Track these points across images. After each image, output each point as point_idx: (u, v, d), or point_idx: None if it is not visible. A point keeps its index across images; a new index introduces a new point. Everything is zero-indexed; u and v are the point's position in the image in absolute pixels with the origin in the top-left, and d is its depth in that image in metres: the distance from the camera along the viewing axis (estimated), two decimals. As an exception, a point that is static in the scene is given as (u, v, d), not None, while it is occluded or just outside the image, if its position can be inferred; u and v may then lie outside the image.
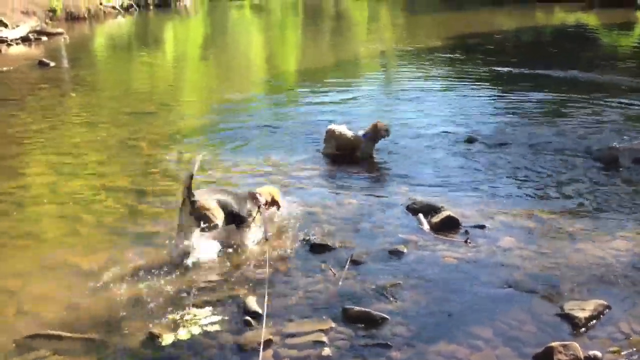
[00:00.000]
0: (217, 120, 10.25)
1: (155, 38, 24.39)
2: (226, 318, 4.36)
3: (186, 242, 5.18)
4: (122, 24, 29.22)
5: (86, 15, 28.64)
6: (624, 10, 24.69)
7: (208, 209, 5.22)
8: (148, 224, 5.96)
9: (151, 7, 35.41)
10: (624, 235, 5.45)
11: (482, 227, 5.76)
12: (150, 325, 4.24)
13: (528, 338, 4.11)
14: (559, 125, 9.09)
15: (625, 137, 8.31)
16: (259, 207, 5.61)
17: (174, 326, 4.25)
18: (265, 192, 5.79)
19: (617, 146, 7.76)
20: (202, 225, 5.17)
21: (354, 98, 11.67)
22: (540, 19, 25.83)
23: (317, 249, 5.41)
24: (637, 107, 10.06)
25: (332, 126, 8.14)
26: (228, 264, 5.19)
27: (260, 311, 4.39)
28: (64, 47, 20.14)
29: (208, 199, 5.28)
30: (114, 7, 31.70)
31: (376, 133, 7.86)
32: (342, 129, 8.04)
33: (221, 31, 27.80)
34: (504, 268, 5.03)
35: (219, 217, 5.29)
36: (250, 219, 5.55)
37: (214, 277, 4.97)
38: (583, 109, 10.06)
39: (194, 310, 4.42)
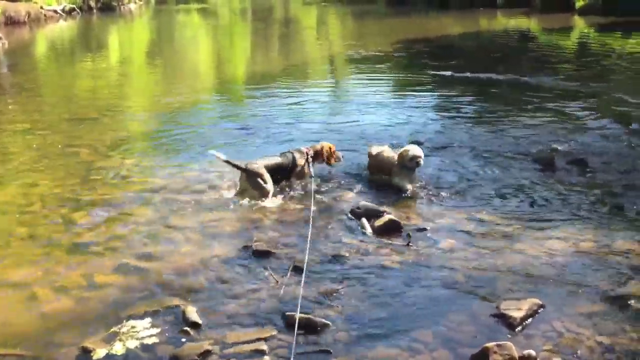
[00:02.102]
0: (162, 125, 10.07)
1: (99, 42, 23.89)
2: (164, 329, 4.26)
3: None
4: (64, 28, 28.50)
5: (26, 20, 27.83)
6: (563, 15, 25.49)
7: (259, 175, 6.43)
8: (85, 234, 5.79)
9: (94, 11, 34.70)
10: (558, 235, 5.58)
11: (423, 229, 5.81)
12: (84, 339, 4.11)
13: (466, 339, 4.16)
14: (499, 127, 9.29)
15: (561, 138, 8.55)
16: (307, 157, 6.90)
17: (109, 339, 4.12)
18: (317, 146, 7.08)
19: (554, 148, 8.01)
20: (256, 189, 6.45)
21: (301, 102, 11.66)
22: (484, 24, 26.42)
23: (259, 255, 5.37)
24: (573, 109, 10.36)
25: (373, 148, 7.23)
26: (167, 270, 5.10)
27: (199, 321, 4.32)
28: (2, 53, 19.48)
29: (259, 166, 6.49)
30: (55, 11, 30.89)
31: (402, 160, 6.77)
32: (381, 149, 7.14)
33: (168, 35, 27.43)
34: (444, 270, 5.09)
35: (268, 182, 6.49)
36: (299, 169, 6.88)
37: (152, 286, 4.86)
38: (523, 112, 10.30)
39: (130, 322, 4.31)
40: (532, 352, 3.93)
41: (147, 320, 4.34)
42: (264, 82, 14.44)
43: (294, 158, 6.90)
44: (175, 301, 4.63)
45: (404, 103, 11.42)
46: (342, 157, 7.31)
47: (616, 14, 23.28)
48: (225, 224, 6.04)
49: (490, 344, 3.90)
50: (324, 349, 4.07)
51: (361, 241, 5.64)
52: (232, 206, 6.41)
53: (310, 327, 4.27)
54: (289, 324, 4.32)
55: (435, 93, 12.33)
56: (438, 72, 13.96)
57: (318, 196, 6.64)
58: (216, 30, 30.61)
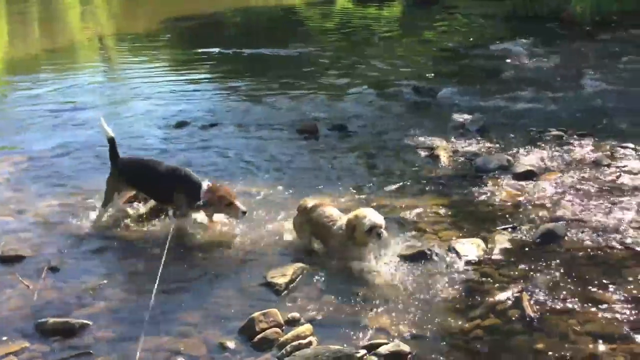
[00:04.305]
0: None
1: None
2: None
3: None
4: None
5: None
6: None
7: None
8: None
9: None
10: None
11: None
12: None
13: (235, 314, 4.15)
14: (266, 101, 9.41)
15: (323, 107, 8.96)
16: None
17: None
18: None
19: (316, 116, 8.37)
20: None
21: (64, 88, 10.78)
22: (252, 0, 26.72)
23: (8, 260, 4.84)
24: (333, 79, 10.86)
25: (308, 201, 5.17)
26: None
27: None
28: None
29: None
30: None
31: (352, 231, 4.65)
32: (319, 203, 5.10)
33: None
34: (215, 247, 5.06)
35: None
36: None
37: None
38: (288, 84, 10.50)
39: None
40: (297, 315, 4.06)
41: None
42: (23, 69, 13.10)
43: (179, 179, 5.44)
44: None
45: (172, 83, 11.09)
46: (244, 213, 5.19)
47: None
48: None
49: (255, 314, 3.95)
50: (83, 351, 3.79)
51: (127, 230, 5.35)
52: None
53: (67, 331, 3.94)
54: (42, 331, 3.95)
55: (203, 71, 12.14)
56: (206, 50, 13.73)
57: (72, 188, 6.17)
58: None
